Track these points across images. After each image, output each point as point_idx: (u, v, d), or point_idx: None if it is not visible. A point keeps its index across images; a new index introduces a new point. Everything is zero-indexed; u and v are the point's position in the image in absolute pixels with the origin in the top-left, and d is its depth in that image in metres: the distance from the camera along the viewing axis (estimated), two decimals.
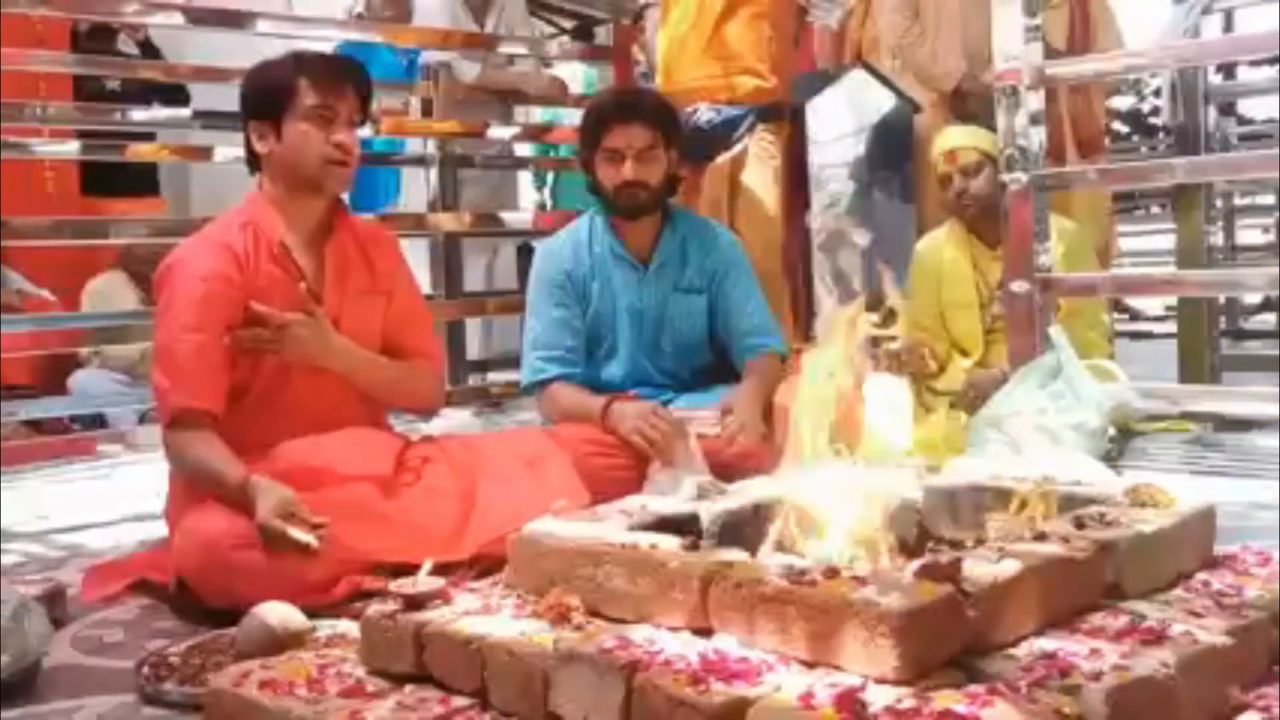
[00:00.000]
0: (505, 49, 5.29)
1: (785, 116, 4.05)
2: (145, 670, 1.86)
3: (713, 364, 3.15)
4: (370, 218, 4.51)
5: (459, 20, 5.23)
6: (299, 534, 2.09)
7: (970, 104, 4.10)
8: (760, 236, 3.81)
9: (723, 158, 3.87)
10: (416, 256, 5.04)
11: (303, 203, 2.48)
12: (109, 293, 5.16)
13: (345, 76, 2.46)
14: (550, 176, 7.19)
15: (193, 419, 2.31)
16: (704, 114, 3.86)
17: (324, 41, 4.81)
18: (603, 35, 7.63)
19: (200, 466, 2.28)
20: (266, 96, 2.45)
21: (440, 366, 2.77)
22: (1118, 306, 6.95)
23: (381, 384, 2.56)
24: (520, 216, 5.54)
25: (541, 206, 7.35)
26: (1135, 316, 7.73)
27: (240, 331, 2.36)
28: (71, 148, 4.67)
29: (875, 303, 4.16)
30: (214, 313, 2.35)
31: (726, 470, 2.59)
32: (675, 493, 1.92)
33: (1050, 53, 3.60)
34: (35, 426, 4.42)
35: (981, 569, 1.44)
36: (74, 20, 5.59)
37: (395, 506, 2.33)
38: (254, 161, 2.51)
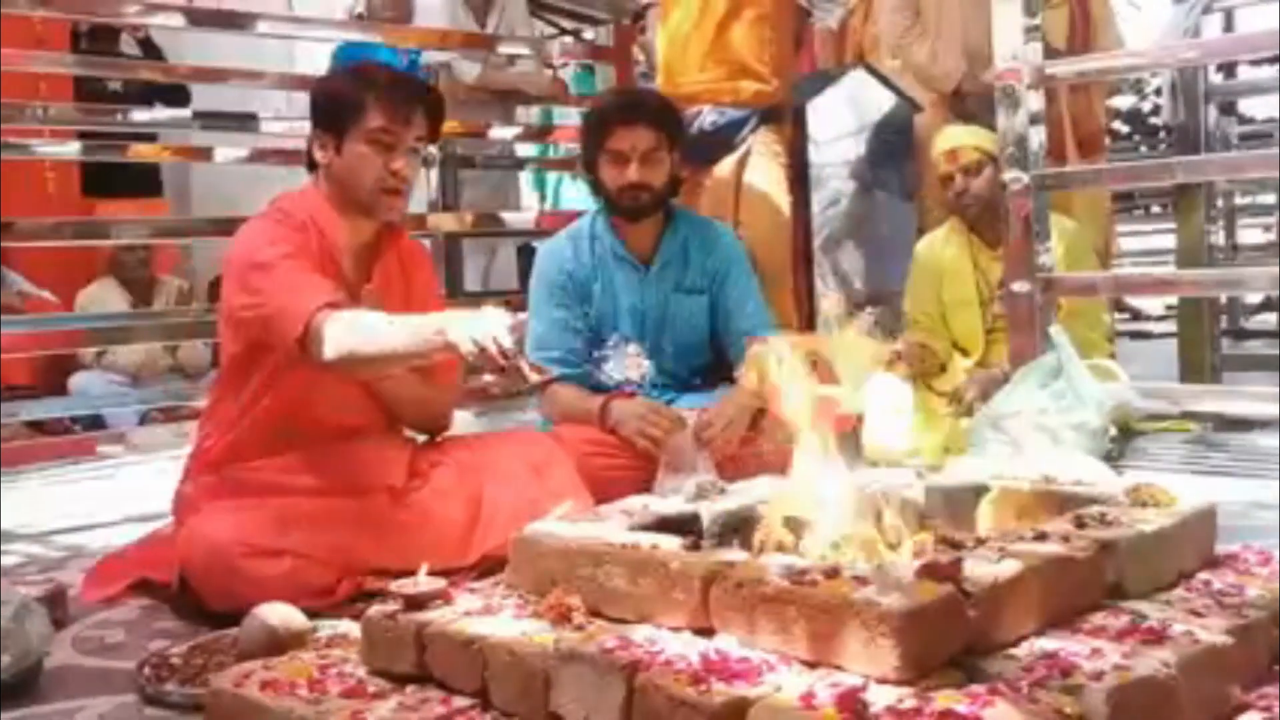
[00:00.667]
0: (506, 49, 5.29)
1: (787, 118, 4.05)
2: (147, 671, 1.86)
3: (713, 364, 3.15)
4: None
5: (459, 20, 5.23)
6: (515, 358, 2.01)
7: (970, 104, 4.10)
8: (767, 236, 3.81)
9: (728, 159, 3.87)
10: None
11: (356, 218, 2.42)
12: (101, 300, 5.16)
13: (414, 101, 2.39)
14: (551, 181, 7.17)
15: (338, 310, 2.18)
16: (708, 116, 3.86)
17: (324, 42, 4.83)
18: (600, 36, 7.64)
19: (375, 327, 2.15)
20: (332, 108, 2.39)
21: (457, 389, 2.72)
22: (1119, 306, 6.95)
23: (404, 400, 2.51)
24: (521, 217, 5.54)
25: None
26: (1136, 316, 7.72)
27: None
28: (72, 148, 4.67)
29: (874, 300, 4.18)
30: (306, 258, 2.27)
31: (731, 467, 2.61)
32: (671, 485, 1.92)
33: (1050, 52, 3.60)
34: (36, 427, 4.42)
35: (982, 569, 1.44)
36: (75, 21, 5.59)
37: (404, 515, 2.33)
38: (312, 163, 2.45)
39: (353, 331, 2.15)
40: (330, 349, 2.14)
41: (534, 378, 2.07)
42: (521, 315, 2.10)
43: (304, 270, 2.25)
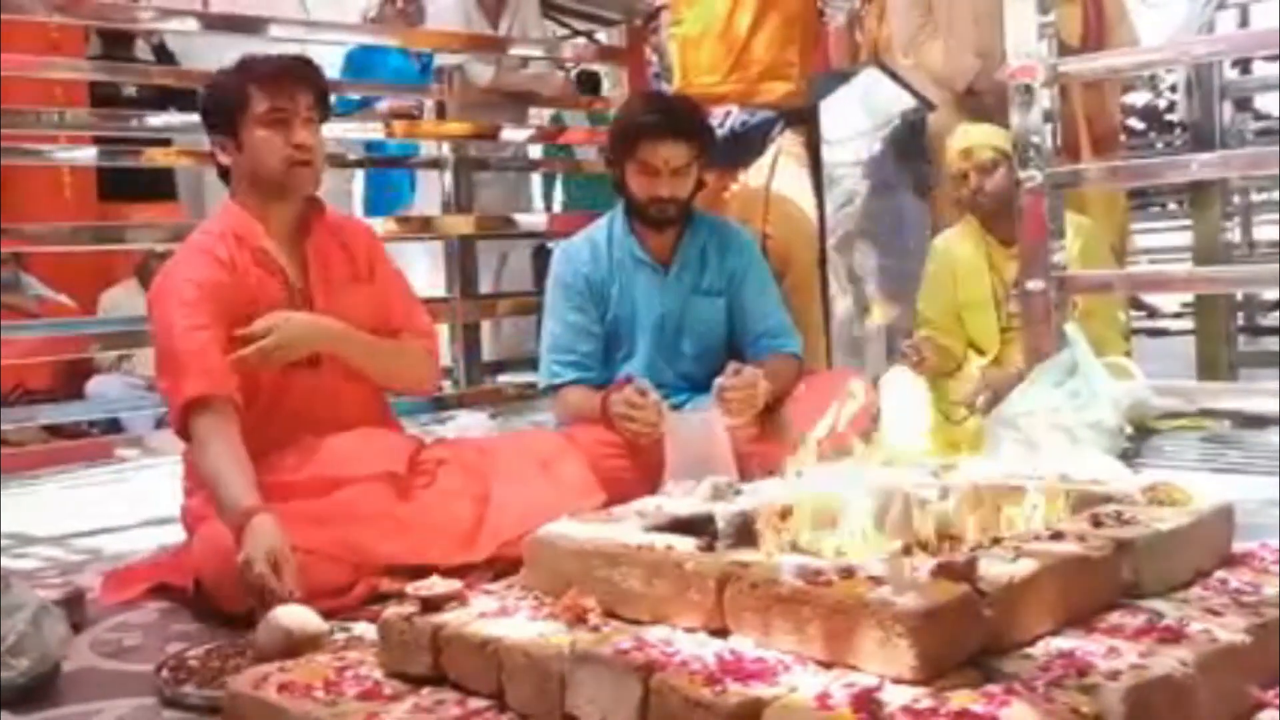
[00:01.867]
0: (519, 51, 5.29)
1: (810, 118, 4.05)
2: (164, 673, 1.86)
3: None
4: (383, 219, 4.56)
5: (473, 23, 5.24)
6: (278, 587, 1.99)
7: (984, 102, 4.09)
8: (795, 241, 3.80)
9: (758, 165, 3.86)
10: (432, 258, 5.07)
11: (276, 206, 2.47)
12: (124, 302, 5.19)
13: (295, 77, 2.44)
14: (560, 185, 7.16)
15: (211, 407, 2.25)
16: (737, 118, 3.85)
17: (337, 45, 4.84)
18: (612, 37, 7.64)
19: (213, 476, 2.21)
20: (221, 109, 2.45)
21: (433, 341, 2.74)
22: (1135, 304, 6.93)
23: (377, 364, 2.53)
24: (534, 219, 5.54)
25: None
26: (1152, 314, 7.70)
27: (236, 355, 2.32)
28: (88, 153, 4.69)
29: (888, 300, 4.16)
30: (212, 310, 2.33)
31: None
32: (692, 491, 1.92)
33: (1064, 49, 3.58)
34: (53, 431, 4.44)
35: (998, 568, 1.44)
36: (90, 27, 5.62)
37: (410, 508, 2.33)
38: (225, 173, 2.52)
39: (209, 449, 2.24)
40: (194, 452, 2.31)
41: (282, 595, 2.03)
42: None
43: (196, 330, 2.30)
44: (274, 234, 2.48)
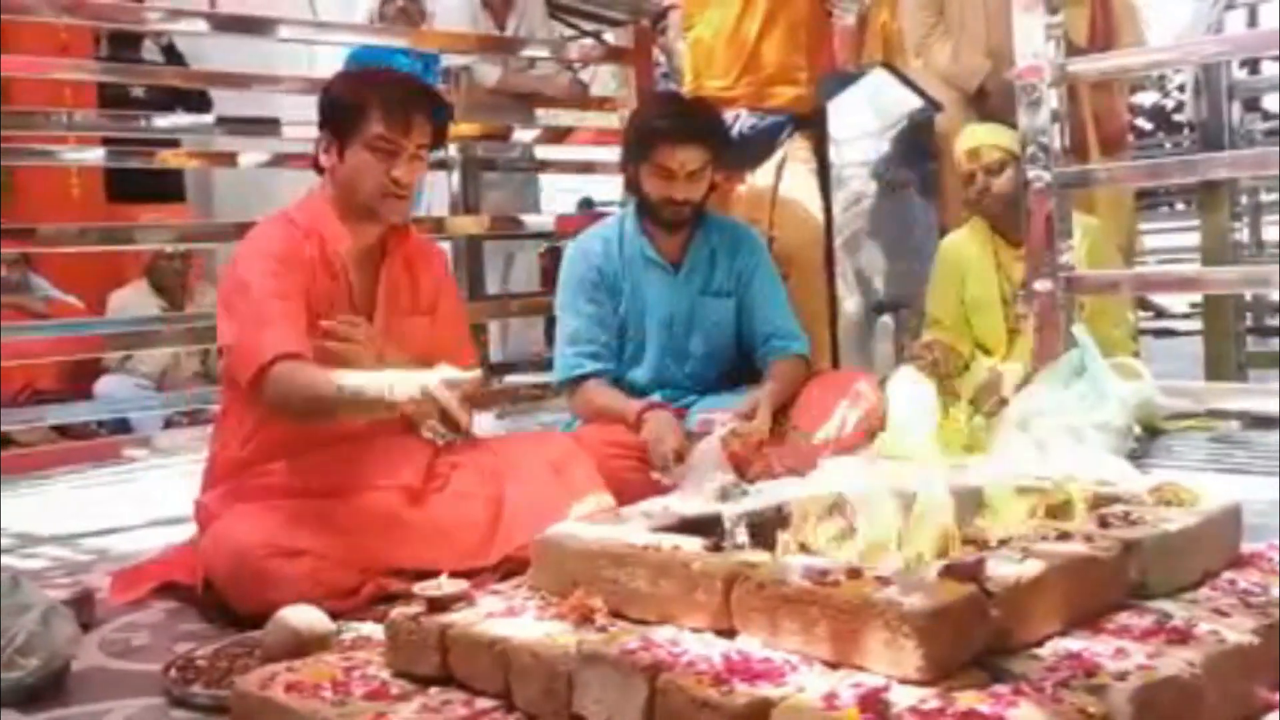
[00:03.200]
0: (526, 52, 5.30)
1: (818, 122, 4.04)
2: (173, 673, 1.87)
3: (739, 365, 3.14)
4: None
5: (479, 24, 5.24)
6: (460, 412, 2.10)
7: (993, 102, 4.09)
8: (802, 243, 3.80)
9: (765, 167, 3.85)
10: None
11: (359, 223, 2.44)
12: (133, 303, 5.21)
13: (417, 108, 2.39)
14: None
15: (289, 361, 2.22)
16: (746, 120, 3.85)
17: (345, 46, 4.84)
18: (619, 37, 7.62)
19: (331, 379, 2.19)
20: (336, 113, 2.41)
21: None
22: (1143, 304, 6.91)
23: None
24: (541, 219, 5.54)
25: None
26: (1161, 314, 7.68)
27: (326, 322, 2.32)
28: (97, 154, 4.70)
29: (894, 303, 4.17)
30: (295, 282, 2.31)
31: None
32: (695, 490, 1.92)
33: (1072, 49, 3.58)
34: (61, 431, 4.45)
35: (1005, 568, 1.44)
36: (99, 28, 5.64)
37: (424, 514, 2.33)
38: (319, 166, 2.47)
39: (298, 393, 2.21)
40: (286, 401, 2.23)
41: (465, 424, 2.19)
42: (473, 374, 2.20)
43: (282, 301, 2.28)
44: (352, 246, 2.44)
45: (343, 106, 2.40)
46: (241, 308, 2.30)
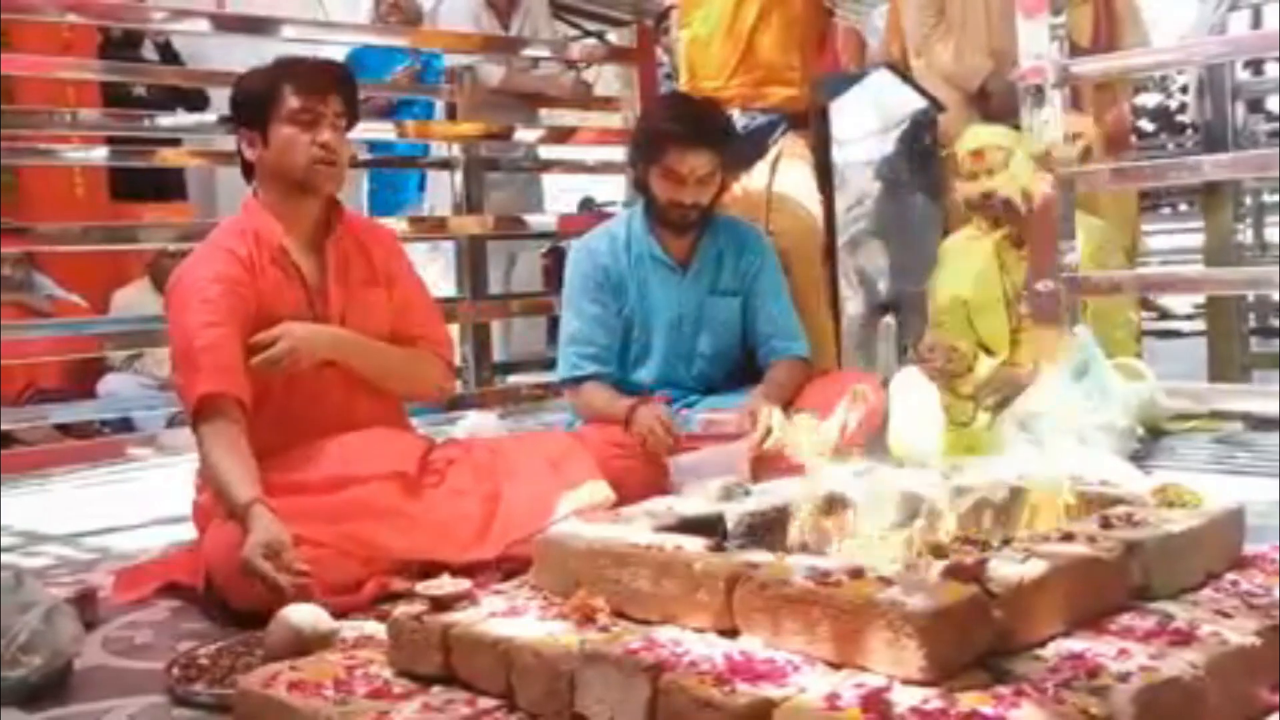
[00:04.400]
0: (529, 52, 5.30)
1: (813, 121, 4.04)
2: (175, 671, 1.87)
3: (745, 365, 3.14)
4: (395, 220, 4.56)
5: (483, 24, 5.24)
6: (278, 577, 2.01)
7: (994, 102, 4.08)
8: (799, 242, 3.79)
9: (760, 166, 3.85)
10: (443, 259, 5.08)
11: (297, 205, 2.50)
12: (137, 302, 5.21)
13: (328, 79, 2.49)
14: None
15: (219, 407, 2.29)
16: (739, 120, 3.85)
17: (347, 45, 4.85)
18: (623, 37, 7.63)
19: (216, 470, 2.25)
20: (251, 104, 2.48)
21: (448, 351, 2.77)
22: (1146, 305, 6.91)
23: (387, 371, 2.57)
24: (544, 219, 5.54)
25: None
26: (1164, 315, 7.67)
27: (252, 361, 2.36)
28: (100, 154, 4.70)
29: (897, 303, 4.17)
30: (228, 309, 2.36)
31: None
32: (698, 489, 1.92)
33: (1075, 50, 3.58)
34: (65, 430, 4.46)
35: (1007, 569, 1.43)
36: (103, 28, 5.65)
37: (419, 506, 2.34)
38: (248, 170, 2.54)
39: (213, 448, 2.27)
40: (201, 448, 2.31)
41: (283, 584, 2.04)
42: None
43: (212, 327, 2.33)
44: (294, 234, 2.50)
45: (256, 95, 2.48)
46: (176, 343, 2.40)
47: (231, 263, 2.42)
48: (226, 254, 2.43)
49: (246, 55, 5.29)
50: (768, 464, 2.60)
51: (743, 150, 3.80)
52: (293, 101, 2.43)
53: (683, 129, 2.97)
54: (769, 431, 2.72)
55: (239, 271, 2.41)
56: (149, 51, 6.02)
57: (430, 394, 2.76)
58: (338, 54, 4.92)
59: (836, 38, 5.25)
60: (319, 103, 2.44)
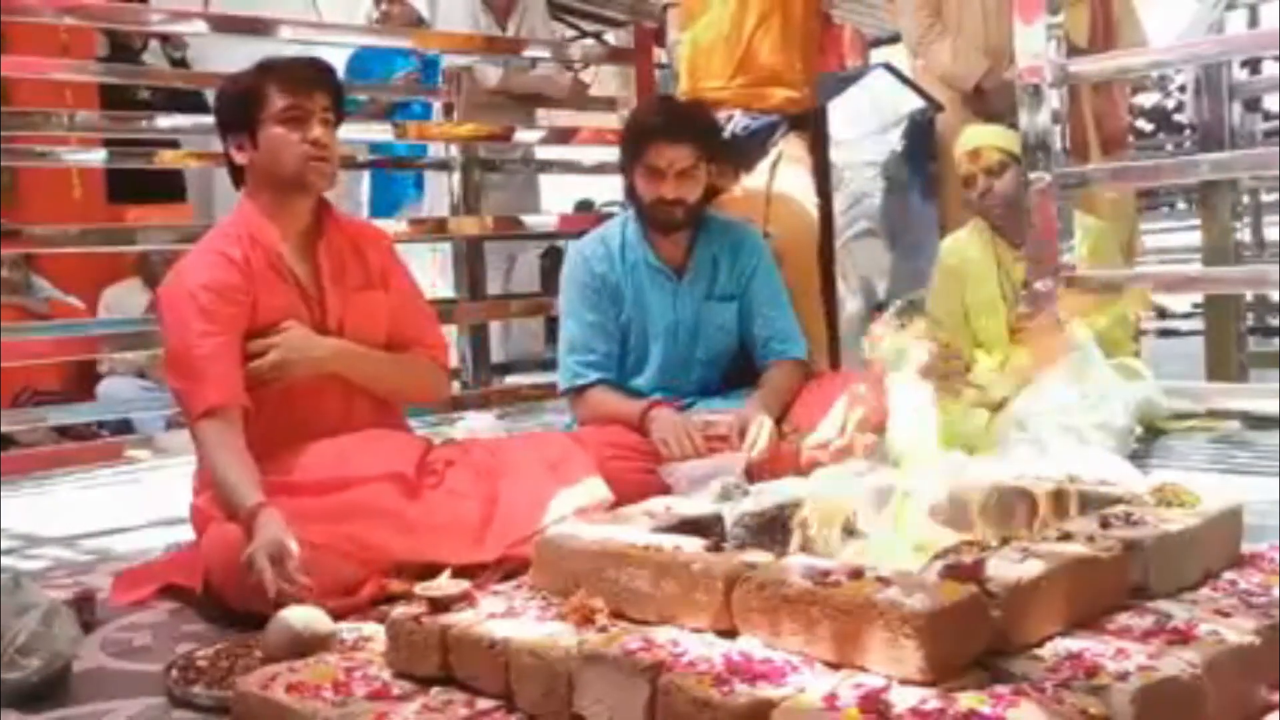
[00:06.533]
0: (527, 53, 5.29)
1: (813, 123, 4.04)
2: (174, 673, 1.87)
3: (743, 368, 3.14)
4: (393, 221, 4.56)
5: (480, 24, 5.24)
6: (278, 584, 2.00)
7: (991, 102, 4.09)
8: (796, 242, 3.79)
9: (760, 167, 3.85)
10: (442, 260, 5.08)
11: (290, 207, 2.49)
12: (125, 300, 5.21)
13: (312, 76, 2.47)
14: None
15: (222, 414, 2.30)
16: (740, 121, 3.85)
17: (345, 46, 4.85)
18: (620, 38, 7.63)
19: (222, 474, 2.25)
20: (238, 107, 2.47)
21: (444, 355, 2.77)
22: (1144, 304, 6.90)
23: (384, 379, 2.57)
24: (544, 220, 5.54)
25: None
26: (1162, 314, 7.68)
27: (248, 366, 2.37)
28: (98, 155, 4.70)
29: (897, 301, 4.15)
30: (227, 317, 2.36)
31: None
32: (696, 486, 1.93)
33: (1072, 50, 3.58)
34: (63, 432, 4.45)
35: (1006, 569, 1.44)
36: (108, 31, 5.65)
37: (418, 507, 2.34)
38: (238, 175, 2.53)
39: (216, 454, 2.28)
40: (201, 452, 2.32)
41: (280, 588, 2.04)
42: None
43: (209, 337, 2.33)
44: (287, 236, 2.49)
45: (241, 98, 2.46)
46: (175, 352, 2.39)
47: (225, 267, 2.40)
48: (220, 258, 2.42)
49: (244, 57, 5.32)
50: (763, 473, 2.59)
51: (743, 152, 3.81)
52: (279, 101, 2.42)
53: (660, 122, 2.99)
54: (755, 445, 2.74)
55: (233, 276, 2.40)
56: (157, 56, 6.01)
57: (426, 400, 2.75)
58: (338, 57, 4.95)
59: (843, 38, 5.26)
60: (306, 99, 2.43)
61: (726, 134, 3.69)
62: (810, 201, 3.89)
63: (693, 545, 1.60)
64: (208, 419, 2.30)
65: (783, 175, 3.84)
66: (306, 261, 2.51)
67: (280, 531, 2.08)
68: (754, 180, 3.84)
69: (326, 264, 2.51)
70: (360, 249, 2.59)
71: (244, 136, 2.46)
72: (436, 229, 4.93)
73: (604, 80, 7.70)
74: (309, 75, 2.47)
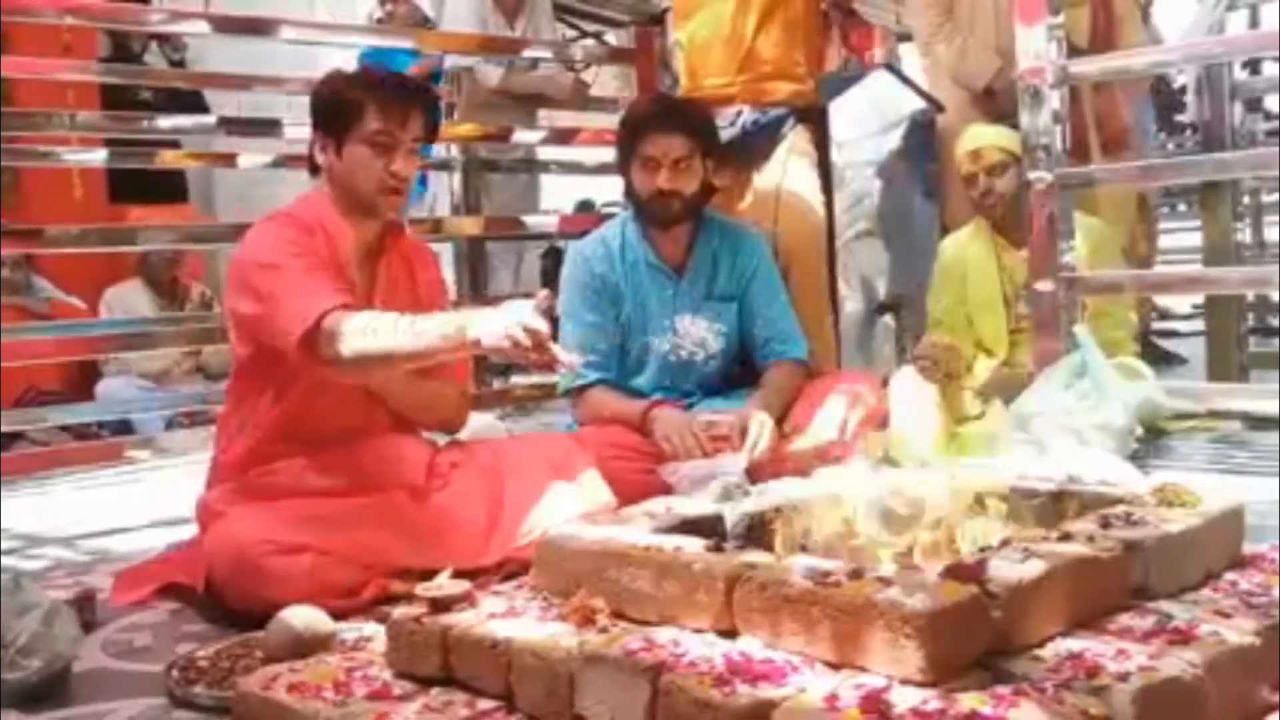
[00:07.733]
0: (530, 53, 5.29)
1: (819, 116, 4.04)
2: (174, 673, 1.87)
3: (743, 367, 3.14)
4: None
5: (489, 25, 5.24)
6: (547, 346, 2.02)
7: (1000, 102, 4.08)
8: (803, 239, 3.79)
9: (769, 166, 3.85)
10: (444, 260, 5.08)
11: (359, 221, 2.45)
12: (127, 300, 5.20)
13: (412, 102, 2.42)
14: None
15: (339, 312, 2.19)
16: (748, 116, 3.84)
17: (347, 46, 4.84)
18: (621, 38, 7.64)
19: (395, 322, 2.15)
20: (332, 111, 2.42)
21: (466, 381, 2.75)
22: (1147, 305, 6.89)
23: (417, 406, 2.53)
24: (544, 220, 5.54)
25: None
26: (1163, 315, 7.67)
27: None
28: (99, 155, 4.70)
29: (895, 303, 4.17)
30: (318, 257, 2.30)
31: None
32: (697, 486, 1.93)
33: (1073, 51, 3.58)
34: (64, 432, 4.45)
35: (1007, 569, 1.44)
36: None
37: (424, 513, 2.33)
38: (315, 166, 2.48)
39: (367, 333, 2.16)
40: (345, 348, 2.15)
41: (566, 359, 2.09)
42: (541, 295, 2.10)
43: (313, 270, 2.27)
44: (352, 245, 2.45)
45: (339, 104, 2.41)
46: (274, 284, 2.26)
47: (305, 243, 2.34)
48: (300, 234, 2.35)
49: (243, 56, 5.33)
50: (764, 474, 2.59)
51: (752, 147, 3.81)
52: (373, 123, 2.36)
53: (653, 113, 3.01)
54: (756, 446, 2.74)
55: (311, 252, 2.33)
56: (156, 56, 6.02)
57: (446, 429, 2.70)
58: (343, 56, 4.95)
59: (873, 33, 5.23)
60: (399, 128, 2.38)
61: (736, 129, 3.69)
62: (817, 200, 3.89)
63: (694, 546, 1.60)
64: (331, 315, 2.17)
65: (792, 171, 3.83)
66: (366, 273, 2.47)
67: (524, 313, 2.05)
68: (765, 179, 3.83)
69: (383, 282, 2.48)
70: (413, 267, 2.56)
71: (330, 140, 2.41)
72: (435, 228, 4.93)
73: (604, 81, 7.69)
74: (408, 102, 2.41)
